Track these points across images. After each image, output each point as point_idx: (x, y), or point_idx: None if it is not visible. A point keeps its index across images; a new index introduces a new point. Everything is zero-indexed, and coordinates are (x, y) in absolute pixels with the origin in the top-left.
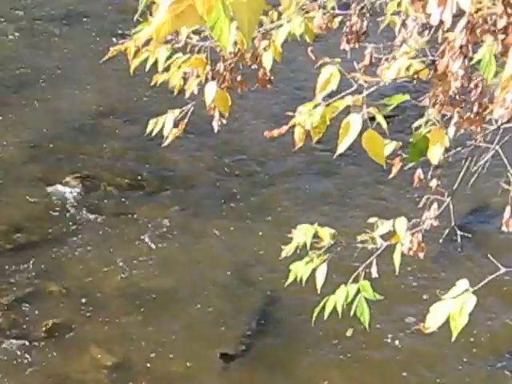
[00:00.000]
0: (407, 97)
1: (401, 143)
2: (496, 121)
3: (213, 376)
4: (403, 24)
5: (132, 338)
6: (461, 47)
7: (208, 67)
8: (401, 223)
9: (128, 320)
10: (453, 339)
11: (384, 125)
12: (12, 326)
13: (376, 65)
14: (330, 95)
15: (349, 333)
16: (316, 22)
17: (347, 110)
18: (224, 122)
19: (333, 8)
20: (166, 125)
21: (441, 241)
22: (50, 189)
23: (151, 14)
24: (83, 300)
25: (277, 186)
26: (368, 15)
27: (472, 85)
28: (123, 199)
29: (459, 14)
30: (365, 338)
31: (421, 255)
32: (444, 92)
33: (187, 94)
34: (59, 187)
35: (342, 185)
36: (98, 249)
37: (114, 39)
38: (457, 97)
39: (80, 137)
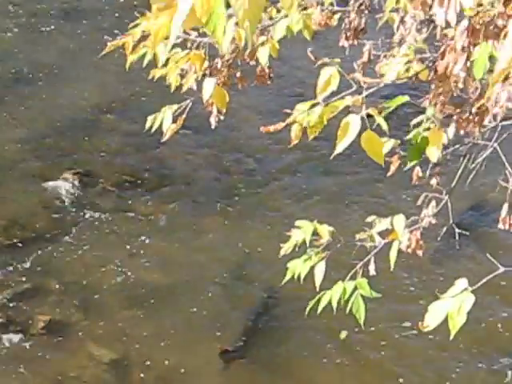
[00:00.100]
0: (407, 98)
1: (399, 141)
2: (494, 118)
3: (211, 372)
4: (402, 21)
5: (130, 334)
6: (462, 49)
7: (206, 63)
8: (399, 221)
9: (126, 316)
10: (451, 338)
11: (384, 126)
12: (10, 322)
13: (374, 62)
14: (330, 95)
15: (343, 335)
16: (314, 19)
17: (346, 110)
18: (222, 118)
19: (331, 4)
20: (165, 120)
21: (439, 238)
22: (47, 185)
23: (149, 9)
24: (81, 296)
25: (275, 183)
26: (366, 12)
27: (471, 86)
28: (121, 195)
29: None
30: (364, 337)
31: (419, 253)
32: (445, 93)
33: (184, 89)
34: (57, 183)
35: (340, 182)
36: (96, 245)
37: (112, 35)
38: (457, 98)
39: (78, 133)
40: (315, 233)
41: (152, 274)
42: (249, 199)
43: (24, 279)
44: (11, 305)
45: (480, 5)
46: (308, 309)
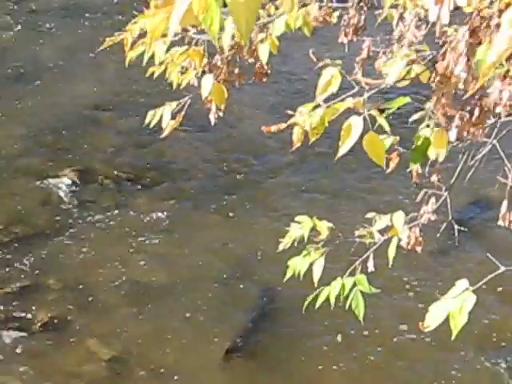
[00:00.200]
0: (408, 99)
1: (398, 137)
2: (493, 115)
3: (210, 371)
4: (401, 17)
5: (129, 332)
6: (464, 48)
7: (205, 60)
8: (398, 217)
9: (125, 313)
10: (452, 337)
11: (387, 127)
12: (8, 318)
13: (374, 58)
14: (331, 96)
15: (339, 339)
16: (313, 15)
17: (347, 110)
18: (221, 114)
19: (330, 1)
20: (164, 117)
21: (438, 235)
22: (46, 182)
23: (148, 7)
24: (80, 294)
25: (274, 180)
26: (366, 8)
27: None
28: (120, 193)
29: (458, 7)
30: (364, 335)
31: (418, 249)
32: (447, 95)
33: (183, 84)
34: (56, 180)
35: (340, 179)
36: (95, 242)
37: (112, 32)
38: (458, 100)
39: (77, 130)
40: (314, 229)
41: (151, 272)
42: (248, 196)
43: (23, 277)
44: (10, 302)
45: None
46: (306, 304)
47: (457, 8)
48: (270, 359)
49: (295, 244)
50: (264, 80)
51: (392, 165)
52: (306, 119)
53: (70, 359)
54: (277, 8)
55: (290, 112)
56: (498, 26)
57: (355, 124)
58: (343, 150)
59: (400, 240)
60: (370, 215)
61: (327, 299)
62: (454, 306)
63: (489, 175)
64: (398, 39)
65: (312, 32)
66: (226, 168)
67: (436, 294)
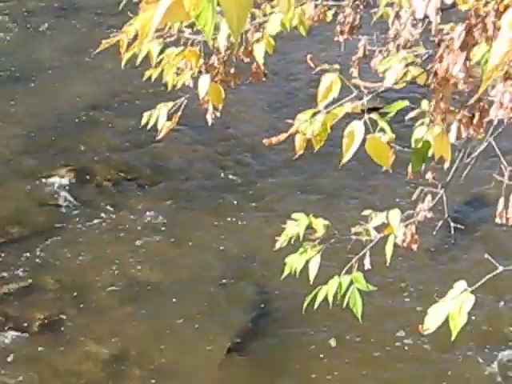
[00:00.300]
0: (406, 103)
1: (394, 135)
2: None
3: (208, 370)
4: (397, 15)
5: (127, 331)
6: (460, 48)
7: (201, 60)
8: (394, 215)
9: (123, 313)
10: (452, 338)
11: (388, 131)
12: (5, 319)
13: (370, 57)
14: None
15: (333, 343)
16: (308, 13)
17: (346, 115)
18: (218, 114)
19: None
20: (160, 118)
21: (434, 232)
22: (43, 181)
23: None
24: (77, 293)
25: (271, 178)
26: (361, 7)
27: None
28: (117, 192)
29: (452, 5)
30: (362, 333)
31: (414, 247)
32: (446, 99)
33: (179, 85)
34: (53, 180)
35: (336, 177)
36: (92, 242)
37: (109, 32)
38: (457, 102)
39: (74, 130)
40: (310, 227)
41: (149, 271)
42: (245, 194)
43: (20, 277)
44: (7, 303)
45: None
46: (305, 305)
47: (453, 6)
48: (269, 359)
49: (292, 242)
50: (263, 80)
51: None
52: (308, 126)
53: (68, 359)
54: (272, 7)
55: (289, 121)
56: (494, 24)
57: (357, 129)
58: (347, 156)
59: (396, 237)
60: (366, 212)
61: (325, 298)
62: (453, 307)
63: (485, 173)
64: (394, 37)
65: (308, 31)
66: (223, 168)
67: (433, 295)
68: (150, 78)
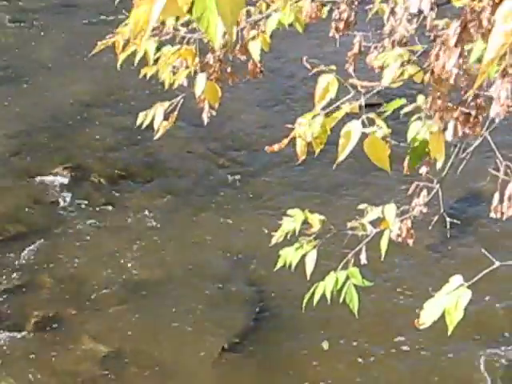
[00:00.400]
0: (404, 101)
1: (389, 130)
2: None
3: (206, 368)
4: (392, 12)
5: (124, 328)
6: (455, 45)
7: (197, 59)
8: (390, 210)
9: (119, 310)
10: (448, 333)
11: (386, 129)
12: (2, 317)
13: (365, 53)
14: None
15: (325, 346)
16: (305, 11)
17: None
18: (214, 113)
19: None
20: (156, 117)
21: (430, 227)
22: (39, 180)
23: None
24: (74, 291)
25: (267, 175)
26: (356, 3)
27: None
28: (113, 190)
29: (447, 1)
30: (359, 331)
31: (410, 242)
32: (443, 96)
33: (175, 85)
34: (49, 178)
35: (332, 174)
36: (88, 240)
37: (105, 30)
38: (454, 100)
39: (70, 128)
40: (306, 222)
41: (146, 269)
42: (241, 191)
43: (16, 275)
44: (4, 301)
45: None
46: (304, 303)
47: (448, 1)
48: (266, 357)
49: (288, 237)
50: (258, 76)
51: None
52: (307, 129)
53: (65, 357)
54: (268, 5)
55: (289, 126)
56: (489, 20)
57: (354, 129)
58: (342, 156)
59: (391, 232)
60: (361, 206)
61: (323, 295)
62: (449, 302)
63: (481, 167)
64: (390, 33)
65: (304, 28)
66: (220, 165)
67: (428, 290)
68: (145, 76)
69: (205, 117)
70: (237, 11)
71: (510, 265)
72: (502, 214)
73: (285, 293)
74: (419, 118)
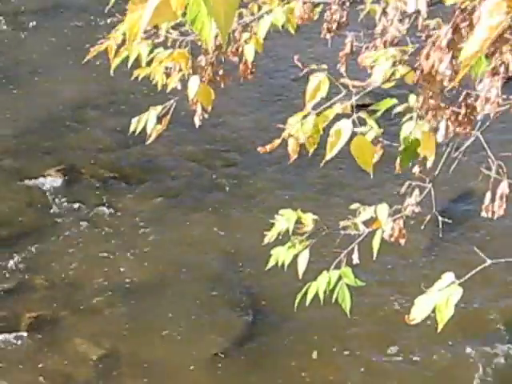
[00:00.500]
0: (395, 101)
1: (381, 130)
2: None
3: (199, 370)
4: (383, 12)
5: (117, 329)
6: (447, 46)
7: (190, 62)
8: (382, 209)
9: (113, 312)
10: (438, 330)
11: (377, 129)
12: None
13: (357, 53)
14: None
15: (314, 355)
16: (297, 13)
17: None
18: (206, 116)
19: None
20: (149, 122)
21: (423, 227)
22: (32, 182)
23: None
24: (68, 293)
25: (259, 176)
26: (348, 4)
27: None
28: (106, 191)
29: (438, 1)
30: (353, 331)
31: (402, 242)
32: (435, 95)
33: (169, 88)
34: (41, 180)
35: (324, 173)
36: (81, 241)
37: (96, 31)
38: (446, 99)
39: (62, 129)
40: (299, 222)
41: (139, 270)
42: (234, 192)
43: (10, 277)
44: None
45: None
46: (296, 302)
47: (439, 1)
48: (259, 358)
49: (280, 237)
50: (250, 78)
51: (376, 157)
52: (299, 129)
53: (58, 360)
54: (259, 7)
55: (280, 126)
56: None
57: (344, 128)
58: (331, 154)
59: (384, 232)
60: (354, 206)
61: (316, 295)
62: (440, 298)
63: (472, 167)
64: (381, 34)
65: (296, 29)
66: (212, 165)
67: (420, 289)
68: (138, 77)
69: (197, 120)
70: (231, 13)
71: (501, 263)
72: (494, 213)
73: (278, 293)
74: (411, 119)
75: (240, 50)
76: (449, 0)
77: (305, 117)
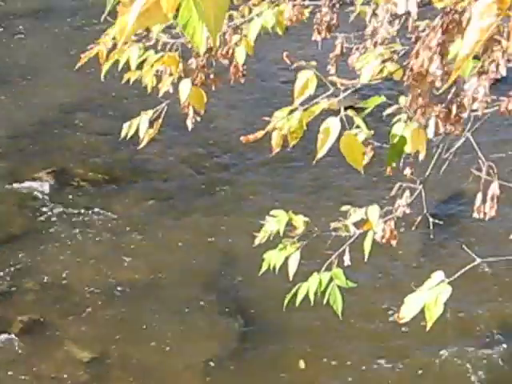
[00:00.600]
0: (383, 98)
1: (372, 131)
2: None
3: (191, 373)
4: (373, 14)
5: (109, 334)
6: (438, 45)
7: (181, 65)
8: (373, 211)
9: (104, 314)
10: (427, 329)
11: (364, 128)
12: None
13: (347, 54)
14: (307, 98)
15: (301, 365)
16: (286, 15)
17: (323, 112)
18: (198, 119)
19: None
20: (141, 126)
21: (413, 228)
22: (22, 185)
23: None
24: (59, 296)
25: (250, 178)
26: (338, 6)
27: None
28: (97, 193)
29: (428, 3)
30: (345, 332)
31: (393, 243)
32: (424, 94)
33: (161, 93)
34: (32, 183)
35: (316, 175)
36: (72, 244)
37: (86, 34)
38: (435, 98)
39: (52, 132)
40: (290, 224)
41: (130, 273)
42: (226, 195)
43: (0, 280)
44: None
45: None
46: (286, 302)
47: (428, 3)
48: (250, 362)
49: (271, 239)
50: (240, 80)
51: (366, 159)
52: (284, 123)
53: (49, 362)
54: (250, 9)
55: (266, 118)
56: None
57: (333, 126)
58: (321, 153)
59: (375, 233)
60: (345, 208)
61: (306, 295)
62: (429, 297)
63: (463, 168)
64: (371, 35)
65: (284, 31)
66: (202, 167)
67: (411, 283)
68: (129, 80)
69: (189, 123)
70: (220, 16)
71: (490, 261)
72: (485, 214)
73: (270, 296)
74: (401, 120)
75: (230, 52)
76: (438, 2)
77: (291, 111)
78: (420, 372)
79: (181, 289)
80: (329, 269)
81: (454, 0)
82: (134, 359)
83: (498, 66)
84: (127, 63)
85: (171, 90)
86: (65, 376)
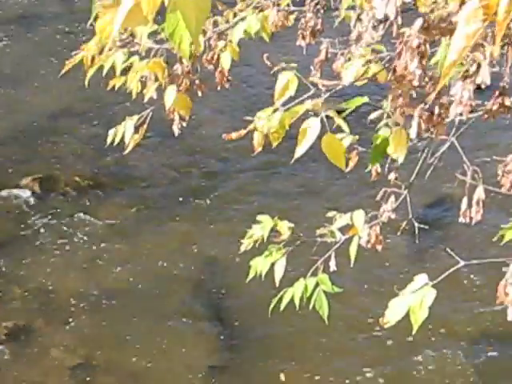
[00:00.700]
0: (366, 99)
1: (357, 137)
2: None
3: (177, 376)
4: (358, 19)
5: (94, 338)
6: (418, 47)
7: (166, 71)
8: (359, 216)
9: (89, 321)
10: (413, 332)
11: (345, 127)
12: None
13: (332, 60)
14: (289, 99)
15: (282, 378)
16: (271, 20)
17: (306, 113)
18: (184, 125)
19: (287, 5)
20: (127, 132)
21: (399, 233)
22: (6, 192)
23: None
24: (44, 302)
25: (236, 184)
26: (322, 11)
27: (430, 85)
28: (82, 200)
29: (410, 8)
30: (336, 335)
31: (379, 248)
32: (404, 94)
33: (146, 99)
34: (17, 190)
35: (301, 181)
36: (57, 250)
37: (69, 40)
38: (416, 98)
39: (37, 138)
40: (275, 230)
41: (115, 278)
42: (210, 200)
43: None
44: None
45: (434, 1)
46: (271, 308)
47: (411, 8)
48: (234, 370)
49: (257, 245)
50: (226, 85)
51: (351, 164)
52: (265, 124)
53: (34, 369)
54: (235, 15)
55: (248, 118)
56: (453, 24)
57: (312, 126)
58: (299, 151)
59: (360, 238)
60: (330, 214)
61: (291, 301)
62: (413, 300)
63: (448, 172)
64: (356, 40)
65: (270, 37)
66: (188, 173)
67: (395, 289)
68: (114, 87)
69: (175, 129)
70: (202, 19)
71: (473, 264)
72: (471, 218)
73: (257, 302)
74: (387, 125)
75: (215, 57)
76: (423, 7)
77: (275, 111)
78: (405, 379)
79: (166, 296)
80: (315, 274)
81: (436, 5)
82: (119, 365)
83: (478, 66)
84: (112, 69)
85: (155, 96)
86: (49, 382)
